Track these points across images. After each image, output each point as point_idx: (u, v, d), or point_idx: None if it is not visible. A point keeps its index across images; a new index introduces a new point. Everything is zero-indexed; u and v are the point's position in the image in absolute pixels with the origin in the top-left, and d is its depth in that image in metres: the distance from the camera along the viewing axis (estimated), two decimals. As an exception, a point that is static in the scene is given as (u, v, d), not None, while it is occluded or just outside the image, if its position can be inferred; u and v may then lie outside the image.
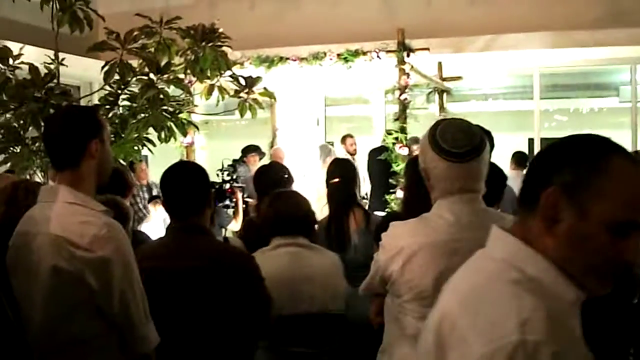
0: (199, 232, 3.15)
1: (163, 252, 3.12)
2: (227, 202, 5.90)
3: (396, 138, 7.68)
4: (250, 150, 10.15)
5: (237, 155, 9.85)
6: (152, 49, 4.72)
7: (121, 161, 4.66)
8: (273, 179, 4.58)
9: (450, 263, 2.50)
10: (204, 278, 3.04)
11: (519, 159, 9.15)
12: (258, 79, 5.06)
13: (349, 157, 9.60)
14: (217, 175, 6.93)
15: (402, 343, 2.63)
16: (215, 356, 3.08)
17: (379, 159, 8.16)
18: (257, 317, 3.20)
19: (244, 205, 6.19)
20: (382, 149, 8.35)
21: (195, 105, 5.36)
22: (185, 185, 3.19)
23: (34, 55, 4.65)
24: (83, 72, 9.16)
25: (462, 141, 2.51)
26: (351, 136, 11.04)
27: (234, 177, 6.29)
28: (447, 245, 2.53)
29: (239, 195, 5.95)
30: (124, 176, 4.21)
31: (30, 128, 4.46)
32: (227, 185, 6.06)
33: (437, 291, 2.49)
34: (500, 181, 3.75)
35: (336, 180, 4.66)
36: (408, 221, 2.70)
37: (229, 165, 6.40)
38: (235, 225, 5.82)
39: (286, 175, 4.66)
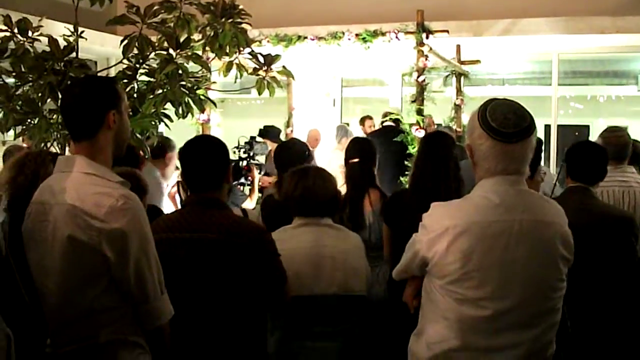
0: (216, 206, 3.16)
1: (180, 224, 3.12)
2: (243, 180, 5.85)
3: (395, 120, 7.67)
4: (266, 133, 9.93)
5: (253, 134, 9.76)
6: (172, 24, 4.70)
7: (138, 135, 4.65)
8: (294, 155, 4.55)
9: (496, 244, 2.50)
10: (220, 250, 3.05)
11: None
12: (277, 56, 5.02)
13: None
14: (234, 152, 6.90)
15: (439, 325, 2.62)
16: (228, 329, 3.10)
17: (395, 140, 8.13)
18: (271, 292, 3.21)
19: (260, 184, 6.14)
20: (383, 132, 8.32)
21: (214, 82, 5.33)
22: (205, 158, 3.19)
23: (53, 30, 4.65)
24: (100, 47, 9.22)
25: (511, 121, 2.51)
26: (370, 118, 10.96)
27: (251, 154, 6.25)
28: (494, 226, 2.52)
29: (255, 173, 5.90)
30: (135, 151, 4.20)
31: (49, 100, 4.46)
32: (244, 163, 6.02)
33: (481, 272, 2.51)
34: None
35: (355, 160, 4.64)
36: (451, 202, 2.69)
37: (245, 143, 6.35)
38: (250, 203, 5.78)
39: (307, 152, 4.64)
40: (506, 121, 2.50)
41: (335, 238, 3.61)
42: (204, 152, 3.22)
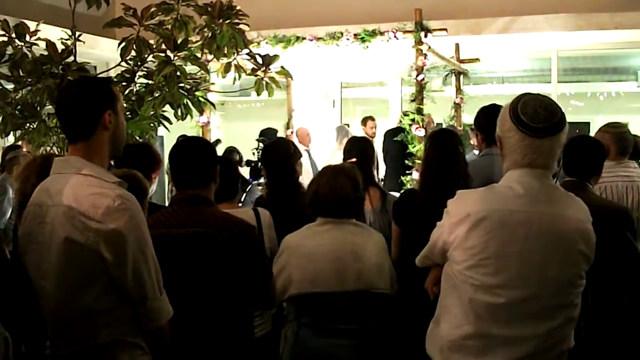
0: (203, 203, 3.20)
1: (166, 220, 3.16)
2: (262, 179, 6.01)
3: (413, 119, 7.64)
4: (265, 135, 9.96)
5: (254, 136, 9.78)
6: (169, 26, 4.71)
7: (137, 138, 4.66)
8: (279, 154, 4.55)
9: (515, 233, 2.55)
10: (205, 244, 3.08)
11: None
12: (275, 57, 5.03)
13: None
14: (253, 154, 7.11)
15: (456, 311, 2.67)
16: (213, 324, 3.12)
17: (395, 140, 8.14)
18: (257, 287, 3.24)
19: None
20: (398, 130, 8.33)
21: (212, 84, 5.34)
22: (192, 157, 3.26)
23: (51, 35, 4.65)
24: (100, 52, 9.21)
25: (541, 116, 2.55)
26: (372, 119, 10.91)
27: None
28: (514, 216, 2.57)
29: None
30: (152, 150, 4.18)
31: (47, 104, 4.47)
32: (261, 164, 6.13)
33: (498, 260, 2.53)
34: None
35: (354, 159, 4.63)
36: (476, 189, 2.75)
37: (264, 145, 6.43)
38: None
39: (292, 150, 4.63)
40: (536, 115, 2.55)
41: (359, 236, 3.62)
42: (191, 151, 3.29)
